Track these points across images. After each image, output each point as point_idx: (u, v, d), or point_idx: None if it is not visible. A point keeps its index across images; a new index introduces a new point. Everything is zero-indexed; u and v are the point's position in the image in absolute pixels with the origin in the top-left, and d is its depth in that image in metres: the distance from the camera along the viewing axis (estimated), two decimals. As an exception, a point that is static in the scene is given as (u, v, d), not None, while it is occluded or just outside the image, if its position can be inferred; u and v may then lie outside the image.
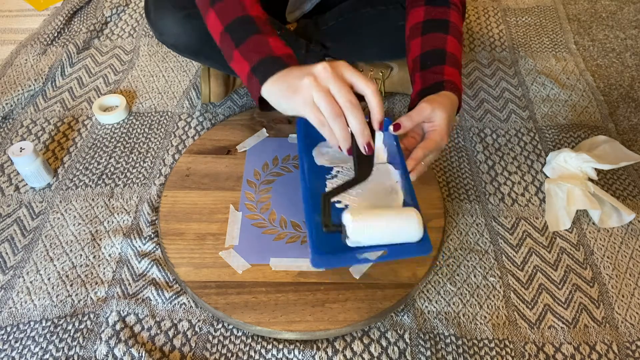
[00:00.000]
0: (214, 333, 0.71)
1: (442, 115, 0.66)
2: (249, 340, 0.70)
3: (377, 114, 0.60)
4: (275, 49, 0.64)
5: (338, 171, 0.69)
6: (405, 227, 0.59)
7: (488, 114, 1.04)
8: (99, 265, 0.78)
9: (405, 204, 0.64)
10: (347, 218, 0.58)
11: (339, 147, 0.60)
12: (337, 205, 0.63)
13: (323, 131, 0.60)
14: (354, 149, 0.60)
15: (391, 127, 0.66)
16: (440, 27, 0.75)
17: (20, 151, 0.84)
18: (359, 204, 0.63)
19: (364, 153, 0.60)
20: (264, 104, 0.65)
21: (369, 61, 1.04)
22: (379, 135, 0.70)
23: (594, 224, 0.84)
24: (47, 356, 0.68)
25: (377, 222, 0.59)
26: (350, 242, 0.58)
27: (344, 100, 0.57)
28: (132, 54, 1.18)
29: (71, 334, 0.70)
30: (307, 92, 0.58)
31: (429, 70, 0.72)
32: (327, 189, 0.66)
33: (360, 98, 0.60)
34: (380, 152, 0.70)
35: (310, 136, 0.72)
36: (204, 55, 0.90)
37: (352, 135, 0.59)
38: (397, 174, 0.67)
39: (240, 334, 0.71)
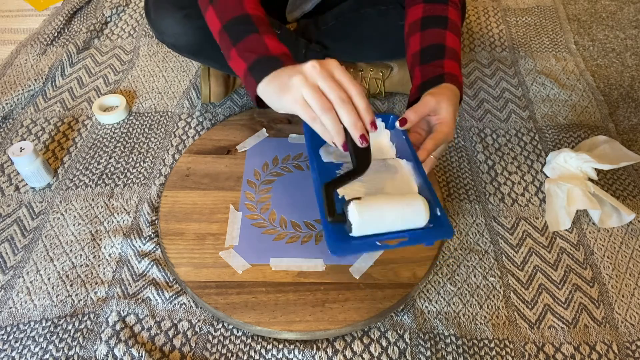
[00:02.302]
0: (214, 333, 0.71)
1: (447, 108, 0.66)
2: (249, 340, 0.70)
3: (366, 116, 0.59)
4: (271, 48, 0.65)
5: (348, 166, 0.68)
6: (410, 213, 0.57)
7: (488, 114, 1.04)
8: (99, 265, 0.78)
9: (420, 189, 0.63)
10: (352, 210, 0.56)
11: (334, 143, 0.60)
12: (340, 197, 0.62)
13: (315, 127, 0.60)
14: (349, 144, 0.59)
15: (397, 123, 0.66)
16: (439, 23, 0.75)
17: (20, 151, 0.84)
18: (366, 192, 0.62)
19: (360, 146, 0.59)
20: (261, 102, 0.66)
21: (369, 61, 1.04)
22: (386, 134, 0.70)
23: (594, 224, 0.84)
24: (47, 356, 0.68)
25: (380, 211, 0.57)
26: (355, 234, 0.57)
27: (333, 96, 0.58)
28: (132, 54, 1.18)
29: (71, 334, 0.70)
30: (297, 90, 0.59)
31: (429, 64, 0.72)
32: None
33: None
34: (388, 148, 0.69)
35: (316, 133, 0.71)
36: (203, 55, 0.90)
37: (347, 132, 0.59)
38: (409, 166, 0.66)
39: (240, 334, 0.71)
